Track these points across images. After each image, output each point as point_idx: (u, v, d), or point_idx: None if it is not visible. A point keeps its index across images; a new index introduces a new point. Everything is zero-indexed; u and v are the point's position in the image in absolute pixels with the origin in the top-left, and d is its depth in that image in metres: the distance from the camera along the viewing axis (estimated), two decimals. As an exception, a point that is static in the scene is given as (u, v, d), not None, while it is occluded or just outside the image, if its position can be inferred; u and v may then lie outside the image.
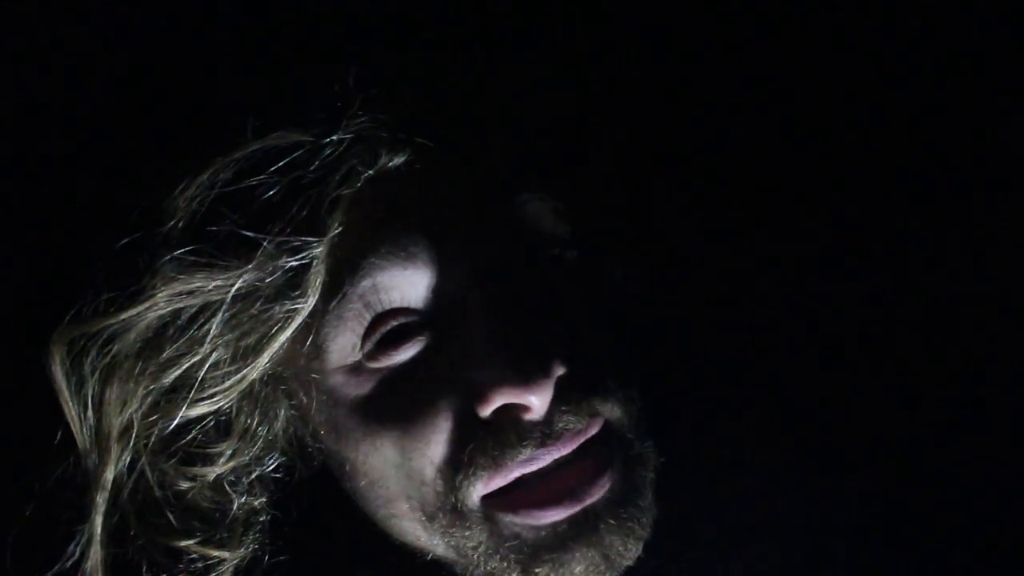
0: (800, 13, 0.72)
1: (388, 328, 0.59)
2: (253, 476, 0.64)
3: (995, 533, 0.67)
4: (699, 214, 0.73)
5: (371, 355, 0.60)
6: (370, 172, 0.58)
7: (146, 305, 0.57)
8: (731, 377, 0.71)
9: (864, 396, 0.70)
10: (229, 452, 0.62)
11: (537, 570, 0.60)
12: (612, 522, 0.60)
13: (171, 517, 0.61)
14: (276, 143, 0.57)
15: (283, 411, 0.64)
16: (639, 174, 0.70)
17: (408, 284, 0.59)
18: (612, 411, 0.60)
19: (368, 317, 0.59)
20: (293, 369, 0.62)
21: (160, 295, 0.57)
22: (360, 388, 0.60)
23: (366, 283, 0.58)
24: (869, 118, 0.71)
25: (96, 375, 0.59)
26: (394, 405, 0.60)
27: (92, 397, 0.59)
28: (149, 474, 0.60)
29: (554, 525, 0.59)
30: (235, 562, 0.63)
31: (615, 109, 0.69)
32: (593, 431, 0.60)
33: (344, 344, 0.59)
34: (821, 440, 0.69)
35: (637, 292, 0.68)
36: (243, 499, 0.63)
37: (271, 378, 0.63)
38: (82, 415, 0.59)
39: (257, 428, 0.63)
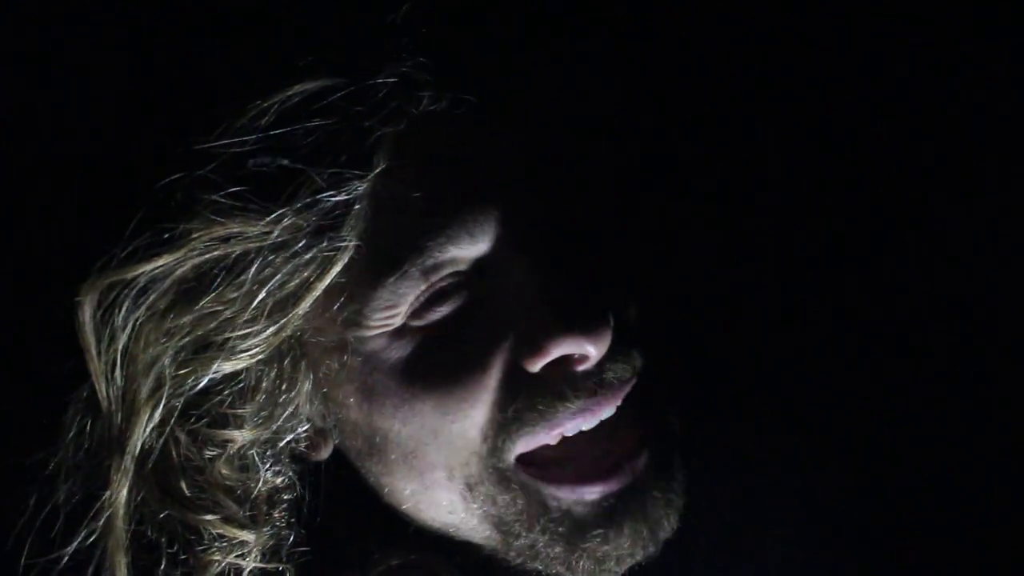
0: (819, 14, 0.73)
1: (435, 287, 0.58)
2: (276, 449, 0.61)
3: (996, 531, 0.68)
4: (707, 213, 0.74)
5: (414, 314, 0.58)
6: (414, 111, 0.56)
7: (184, 251, 0.54)
8: (732, 376, 0.72)
9: (866, 394, 0.71)
10: (254, 419, 0.60)
11: (584, 545, 0.59)
12: (657, 494, 0.60)
13: (195, 490, 0.59)
14: (318, 85, 0.55)
15: (307, 381, 0.62)
16: (657, 167, 0.71)
17: (464, 253, 0.58)
18: (647, 366, 0.60)
19: (422, 286, 0.58)
20: (328, 335, 0.60)
21: (198, 240, 0.54)
22: (401, 350, 0.59)
23: (429, 263, 0.57)
24: (884, 120, 0.73)
25: (128, 328, 0.56)
26: (436, 365, 0.59)
27: (122, 352, 0.56)
28: (175, 440, 0.58)
29: (603, 499, 0.59)
30: (259, 545, 0.60)
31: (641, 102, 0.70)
32: (632, 383, 0.60)
33: (391, 312, 0.58)
34: (823, 438, 0.70)
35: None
36: (266, 474, 0.61)
37: (297, 343, 0.61)
38: (110, 373, 0.56)
39: (281, 396, 0.60)
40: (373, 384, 0.60)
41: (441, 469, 0.60)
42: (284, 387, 0.61)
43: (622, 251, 0.63)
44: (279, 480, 0.62)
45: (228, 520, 0.60)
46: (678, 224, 0.73)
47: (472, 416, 0.59)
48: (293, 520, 0.63)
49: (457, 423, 0.59)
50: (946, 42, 0.71)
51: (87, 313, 0.56)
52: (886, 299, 0.73)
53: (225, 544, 0.60)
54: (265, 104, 0.55)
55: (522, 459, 0.60)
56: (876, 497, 0.69)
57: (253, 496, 0.61)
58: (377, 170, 0.56)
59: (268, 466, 0.61)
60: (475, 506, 0.61)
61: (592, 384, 0.58)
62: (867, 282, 0.74)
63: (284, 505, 0.62)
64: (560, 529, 0.59)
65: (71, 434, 0.60)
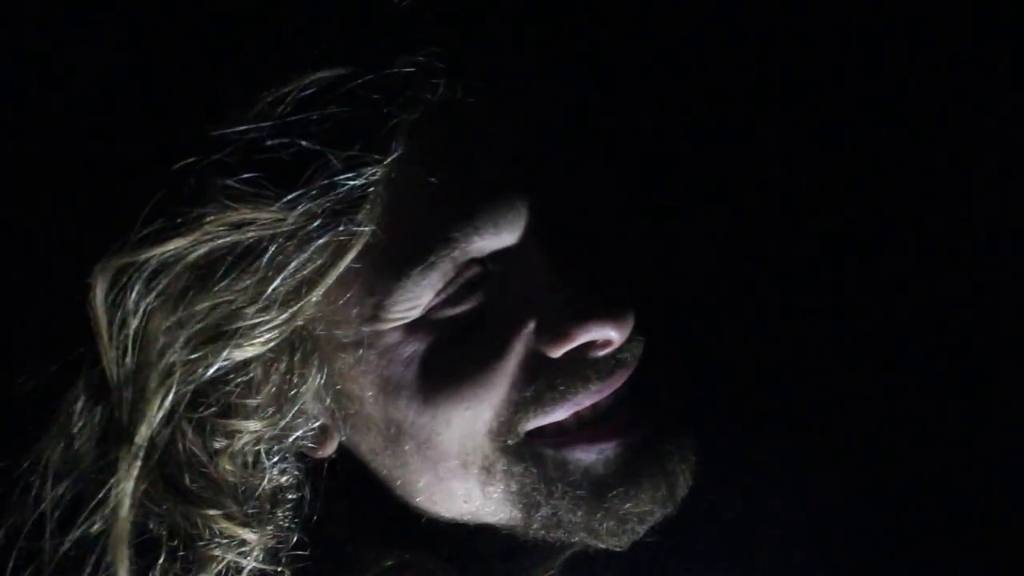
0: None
1: (463, 278, 0.58)
2: (283, 446, 0.61)
3: (996, 531, 0.67)
4: (707, 212, 0.74)
5: (434, 308, 0.58)
6: (431, 98, 0.56)
7: (196, 235, 0.54)
8: (732, 376, 0.71)
9: (866, 394, 0.71)
10: (263, 412, 0.59)
11: (606, 505, 0.59)
12: (671, 448, 0.61)
13: (199, 485, 0.59)
14: (334, 73, 0.55)
15: (319, 376, 0.61)
16: (659, 164, 0.71)
17: (488, 244, 0.58)
18: (650, 346, 0.61)
19: (450, 277, 0.58)
20: (343, 330, 0.59)
21: (211, 225, 0.54)
22: (419, 343, 0.59)
23: (457, 254, 0.57)
24: (884, 120, 0.73)
25: (140, 311, 0.55)
26: (453, 356, 0.59)
27: (134, 336, 0.55)
28: (182, 431, 0.57)
29: (620, 454, 0.60)
30: (261, 544, 0.60)
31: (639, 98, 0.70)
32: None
33: (412, 304, 0.58)
34: (823, 438, 0.69)
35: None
36: (272, 472, 0.61)
37: (309, 337, 0.60)
38: (121, 359, 0.56)
39: (291, 390, 0.60)
40: (388, 376, 0.60)
41: (455, 458, 0.61)
42: (294, 380, 0.60)
43: (635, 237, 0.63)
44: (284, 479, 0.62)
45: (230, 517, 0.59)
46: (678, 224, 0.73)
47: (487, 401, 0.59)
48: (296, 520, 0.63)
49: (472, 408, 0.59)
50: (946, 42, 0.71)
51: (99, 296, 0.56)
52: (886, 299, 0.73)
53: (226, 541, 0.59)
54: (281, 91, 0.55)
55: (530, 432, 0.61)
56: (876, 497, 0.69)
57: (257, 494, 0.61)
58: (394, 155, 0.55)
59: (274, 463, 0.61)
60: (492, 488, 0.61)
61: (611, 365, 0.59)
62: (867, 282, 0.73)
63: (288, 504, 0.62)
64: (580, 492, 0.60)
65: (79, 424, 0.59)
